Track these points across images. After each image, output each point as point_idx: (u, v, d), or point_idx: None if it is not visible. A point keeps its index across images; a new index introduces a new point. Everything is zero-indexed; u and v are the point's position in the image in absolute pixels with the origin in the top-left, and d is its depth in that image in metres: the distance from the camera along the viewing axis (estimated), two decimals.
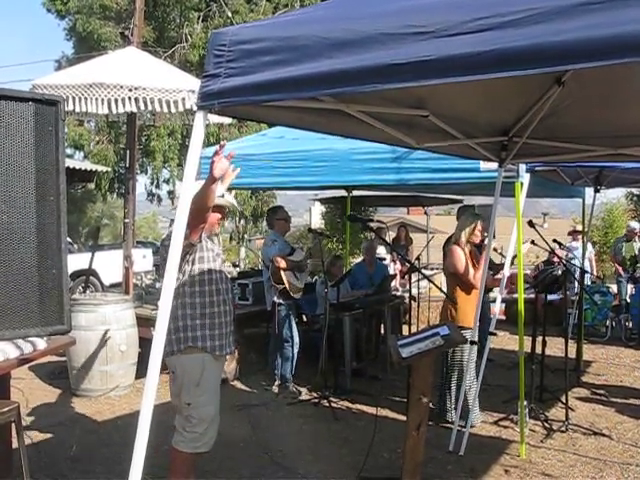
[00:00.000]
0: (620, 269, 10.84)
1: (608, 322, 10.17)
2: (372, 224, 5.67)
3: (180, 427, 3.63)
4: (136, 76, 6.48)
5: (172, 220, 4.09)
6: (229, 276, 4.09)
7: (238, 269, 14.15)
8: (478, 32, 1.74)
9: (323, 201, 17.40)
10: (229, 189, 4.11)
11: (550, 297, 6.84)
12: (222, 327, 3.69)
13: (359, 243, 16.98)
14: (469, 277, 5.39)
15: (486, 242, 5.41)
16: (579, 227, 11.42)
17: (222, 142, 3.28)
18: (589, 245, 10.31)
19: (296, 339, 6.66)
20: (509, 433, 5.43)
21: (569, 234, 11.42)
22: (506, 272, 5.31)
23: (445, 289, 5.61)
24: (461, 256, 5.43)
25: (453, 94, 3.18)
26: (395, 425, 5.41)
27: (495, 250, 6.09)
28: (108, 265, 13.08)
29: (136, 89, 6.29)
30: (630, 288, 10.64)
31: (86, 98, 6.26)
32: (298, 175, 6.54)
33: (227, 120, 9.25)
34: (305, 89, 2.08)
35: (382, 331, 8.07)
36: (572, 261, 8.70)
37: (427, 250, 11.00)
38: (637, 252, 10.58)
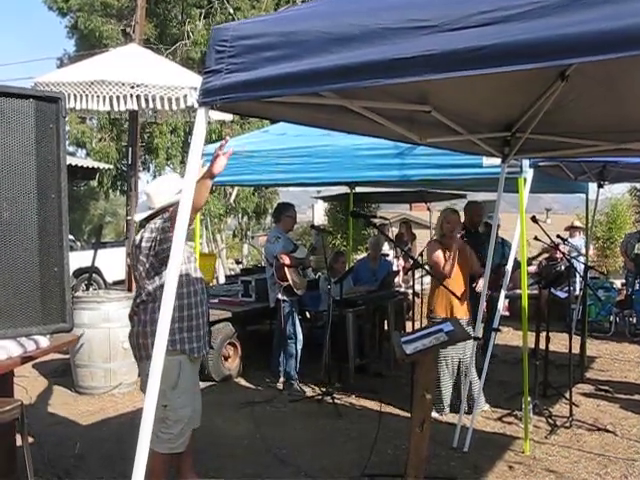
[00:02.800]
0: (632, 265, 10.79)
1: (612, 317, 10.14)
2: (375, 220, 5.69)
3: (155, 428, 3.61)
4: (138, 73, 6.48)
5: (141, 221, 3.96)
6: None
7: (241, 266, 14.15)
8: (482, 26, 1.72)
9: (326, 199, 17.39)
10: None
11: (559, 294, 6.83)
12: (199, 329, 3.68)
13: (362, 239, 16.97)
14: (438, 268, 5.55)
15: (454, 234, 5.53)
16: (577, 223, 11.39)
17: (226, 137, 3.26)
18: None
19: (300, 336, 6.65)
20: (513, 429, 5.42)
21: (566, 229, 11.37)
22: (509, 268, 5.30)
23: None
24: (435, 249, 5.60)
25: (456, 89, 3.16)
26: (399, 421, 5.41)
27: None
28: (111, 262, 13.06)
29: (138, 86, 6.29)
30: (637, 283, 10.59)
31: (88, 95, 6.26)
32: (301, 172, 6.51)
33: (228, 117, 9.23)
34: (307, 84, 2.07)
35: (385, 327, 8.07)
36: (571, 254, 8.68)
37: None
38: None
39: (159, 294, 3.45)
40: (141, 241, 3.60)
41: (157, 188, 3.80)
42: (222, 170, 3.13)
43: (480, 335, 5.63)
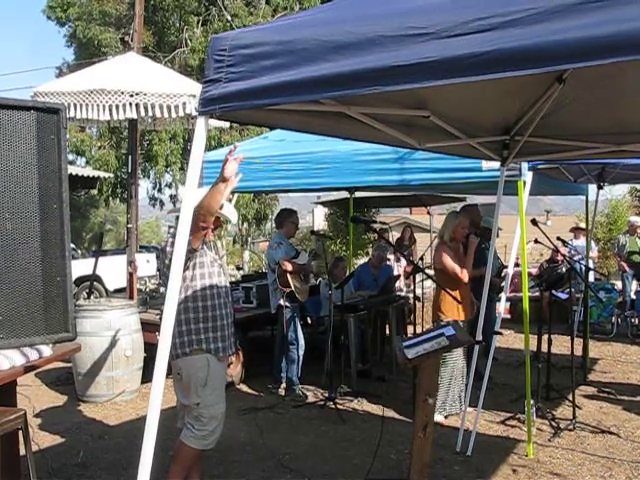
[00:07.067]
0: (625, 265, 10.79)
1: (614, 319, 10.13)
2: (375, 225, 5.68)
3: (190, 425, 3.66)
4: (137, 82, 6.50)
5: (170, 226, 4.06)
6: (232, 279, 4.12)
7: (242, 272, 14.16)
8: (479, 32, 1.74)
9: (326, 204, 17.40)
10: (231, 192, 4.12)
11: (560, 295, 6.84)
12: (224, 329, 3.77)
13: (362, 244, 16.98)
14: (456, 272, 5.43)
15: (471, 238, 5.47)
16: (582, 224, 11.38)
17: (235, 144, 3.32)
18: (592, 243, 10.25)
19: (301, 341, 6.65)
20: (516, 432, 5.42)
21: (571, 231, 11.37)
22: (510, 271, 5.32)
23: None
24: (446, 253, 5.50)
25: (454, 94, 3.17)
26: (402, 426, 5.41)
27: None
28: (112, 270, 13.07)
29: (137, 95, 6.32)
30: (635, 284, 10.59)
31: (87, 105, 6.29)
32: (300, 177, 6.53)
33: (227, 124, 9.26)
34: (306, 92, 2.08)
35: (387, 332, 8.07)
36: (574, 258, 8.67)
37: (431, 250, 10.95)
38: None
39: (182, 296, 3.62)
40: (166, 245, 3.71)
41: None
42: (232, 174, 3.21)
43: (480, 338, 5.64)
